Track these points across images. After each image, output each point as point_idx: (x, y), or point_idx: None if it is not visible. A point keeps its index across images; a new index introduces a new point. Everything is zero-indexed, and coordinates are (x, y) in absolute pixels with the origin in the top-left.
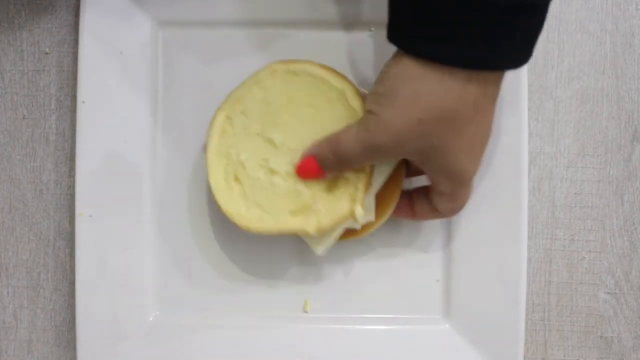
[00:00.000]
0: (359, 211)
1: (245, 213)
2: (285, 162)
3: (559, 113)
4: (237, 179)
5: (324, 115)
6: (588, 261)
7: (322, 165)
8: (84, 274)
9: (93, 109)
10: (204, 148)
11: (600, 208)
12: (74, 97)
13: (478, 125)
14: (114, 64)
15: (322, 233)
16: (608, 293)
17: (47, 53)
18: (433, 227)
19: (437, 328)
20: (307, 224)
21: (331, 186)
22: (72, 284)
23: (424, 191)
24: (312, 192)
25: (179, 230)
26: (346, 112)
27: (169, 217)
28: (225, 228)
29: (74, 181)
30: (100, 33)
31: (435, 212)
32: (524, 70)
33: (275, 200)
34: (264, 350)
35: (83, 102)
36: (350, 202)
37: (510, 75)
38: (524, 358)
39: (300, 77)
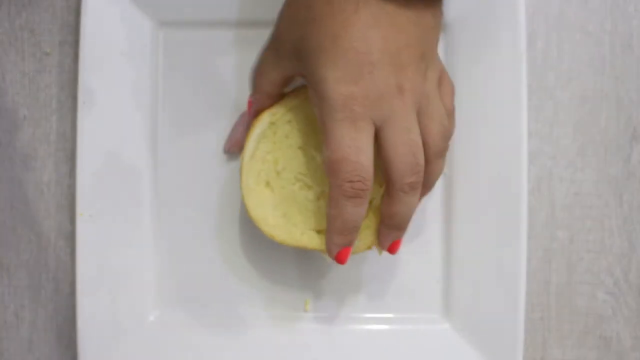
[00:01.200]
0: None
1: (272, 221)
2: (322, 181)
3: (559, 113)
4: (268, 185)
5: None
6: (587, 261)
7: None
8: (84, 273)
9: (94, 109)
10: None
11: (599, 208)
12: (74, 98)
13: (334, 22)
14: (115, 65)
15: None
16: (607, 293)
17: (47, 53)
18: (433, 227)
19: (437, 328)
20: None
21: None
22: (72, 283)
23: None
24: None
25: (179, 230)
26: None
27: (169, 217)
28: (225, 228)
29: (74, 181)
30: (101, 33)
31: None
32: (523, 70)
33: (304, 215)
34: (263, 350)
35: (84, 102)
36: (376, 233)
37: (510, 75)
38: (524, 357)
39: None
